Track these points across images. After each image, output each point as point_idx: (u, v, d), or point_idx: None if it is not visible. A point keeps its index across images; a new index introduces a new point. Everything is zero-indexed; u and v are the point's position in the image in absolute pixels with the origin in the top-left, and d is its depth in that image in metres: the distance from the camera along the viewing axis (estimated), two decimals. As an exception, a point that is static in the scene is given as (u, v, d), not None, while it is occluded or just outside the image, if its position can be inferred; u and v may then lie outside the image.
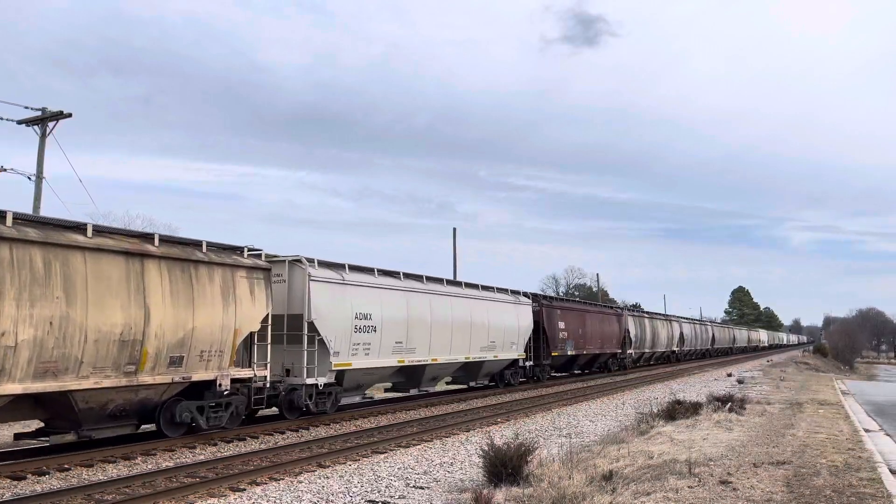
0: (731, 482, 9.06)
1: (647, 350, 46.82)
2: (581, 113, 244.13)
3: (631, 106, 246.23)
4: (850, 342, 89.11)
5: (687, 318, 65.98)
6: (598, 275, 77.49)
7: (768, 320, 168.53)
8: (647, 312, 56.50)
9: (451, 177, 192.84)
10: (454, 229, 41.51)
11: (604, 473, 9.52)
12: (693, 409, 16.84)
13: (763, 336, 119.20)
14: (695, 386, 30.73)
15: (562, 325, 31.95)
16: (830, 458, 11.17)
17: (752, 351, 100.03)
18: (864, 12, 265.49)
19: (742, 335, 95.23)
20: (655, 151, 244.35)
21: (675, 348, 54.29)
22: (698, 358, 63.73)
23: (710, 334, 69.61)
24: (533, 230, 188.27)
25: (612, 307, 45.08)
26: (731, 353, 79.06)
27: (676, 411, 16.41)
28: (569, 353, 32.75)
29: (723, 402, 17.88)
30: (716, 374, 40.44)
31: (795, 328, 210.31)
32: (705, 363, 57.63)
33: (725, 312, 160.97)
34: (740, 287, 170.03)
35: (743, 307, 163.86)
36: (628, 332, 42.21)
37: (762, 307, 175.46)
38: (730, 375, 38.25)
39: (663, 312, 58.68)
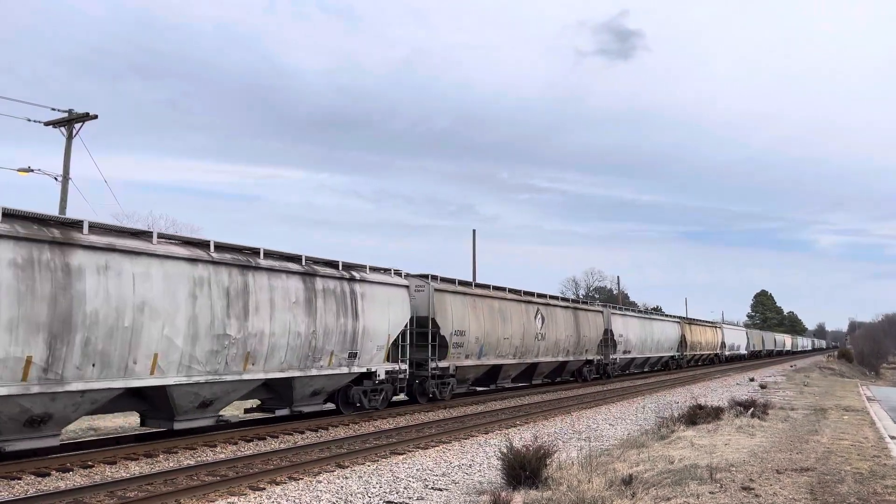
0: (753, 488, 8.95)
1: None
2: (603, 115, 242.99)
3: (653, 108, 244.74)
4: (876, 347, 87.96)
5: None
6: (618, 277, 76.82)
7: (792, 325, 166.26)
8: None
9: (473, 179, 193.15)
10: (473, 231, 41.43)
11: (623, 478, 9.45)
12: (715, 413, 16.67)
13: (735, 337, 69.33)
14: (716, 391, 30.43)
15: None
16: (855, 465, 11.00)
17: (705, 364, 57.18)
18: (887, 12, 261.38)
19: (664, 333, 45.27)
20: (678, 154, 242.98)
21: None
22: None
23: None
24: (554, 232, 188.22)
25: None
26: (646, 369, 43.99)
27: (698, 416, 16.26)
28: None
29: (745, 407, 17.68)
30: (738, 379, 40.03)
31: (820, 333, 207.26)
32: (722, 369, 56.73)
33: (748, 317, 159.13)
34: (763, 291, 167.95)
35: (766, 311, 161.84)
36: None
37: (786, 311, 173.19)
38: (752, 380, 37.86)
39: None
